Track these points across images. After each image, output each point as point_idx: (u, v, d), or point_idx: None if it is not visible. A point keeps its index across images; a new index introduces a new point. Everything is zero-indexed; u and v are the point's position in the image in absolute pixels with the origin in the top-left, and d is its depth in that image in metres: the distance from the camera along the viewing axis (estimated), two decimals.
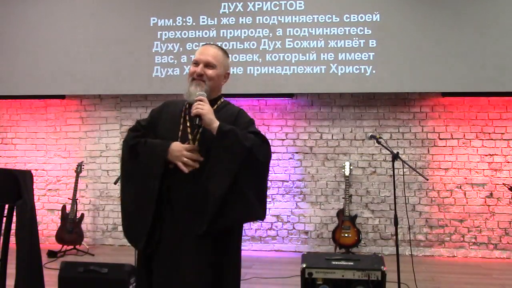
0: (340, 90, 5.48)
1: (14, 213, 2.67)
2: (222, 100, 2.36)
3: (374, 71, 5.32)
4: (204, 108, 2.13)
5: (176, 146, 2.14)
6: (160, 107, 2.37)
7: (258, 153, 2.13)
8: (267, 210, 6.03)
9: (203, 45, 2.38)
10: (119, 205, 2.68)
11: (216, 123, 2.11)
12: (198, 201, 2.11)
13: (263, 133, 2.27)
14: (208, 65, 2.26)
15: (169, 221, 2.17)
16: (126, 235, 2.28)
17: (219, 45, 2.52)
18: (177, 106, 2.33)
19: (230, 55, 5.51)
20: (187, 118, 2.24)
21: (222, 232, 2.16)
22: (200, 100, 2.16)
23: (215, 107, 2.28)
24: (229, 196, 2.07)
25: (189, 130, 2.23)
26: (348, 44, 5.37)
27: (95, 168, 5.97)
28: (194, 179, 2.13)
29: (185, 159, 2.12)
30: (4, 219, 2.69)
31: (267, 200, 5.92)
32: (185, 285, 2.12)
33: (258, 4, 5.52)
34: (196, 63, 2.29)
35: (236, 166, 2.07)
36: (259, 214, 2.21)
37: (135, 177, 2.21)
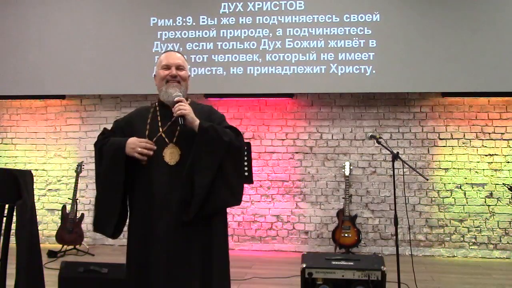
0: (340, 90, 5.48)
1: (14, 213, 2.67)
2: (189, 101, 2.52)
3: (374, 71, 5.32)
4: (186, 108, 2.32)
5: (131, 141, 2.34)
6: (127, 117, 2.56)
7: (236, 145, 2.37)
8: (267, 210, 6.05)
9: (165, 52, 2.57)
10: None
11: (197, 121, 2.32)
12: (181, 192, 2.28)
13: (242, 132, 2.47)
14: (178, 67, 2.47)
15: (155, 213, 2.31)
16: (94, 226, 2.44)
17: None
18: (144, 109, 2.53)
19: (230, 55, 5.59)
20: (158, 118, 2.43)
21: (209, 217, 2.33)
22: (180, 101, 2.34)
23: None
24: (213, 184, 2.28)
25: (160, 129, 2.39)
26: (348, 44, 5.37)
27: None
28: (176, 172, 2.31)
29: (139, 149, 2.30)
30: (4, 219, 2.69)
31: (267, 200, 5.93)
32: (175, 272, 2.28)
33: (258, 4, 5.52)
34: (168, 67, 2.46)
35: (218, 159, 2.29)
36: (239, 198, 2.41)
37: (103, 175, 2.39)
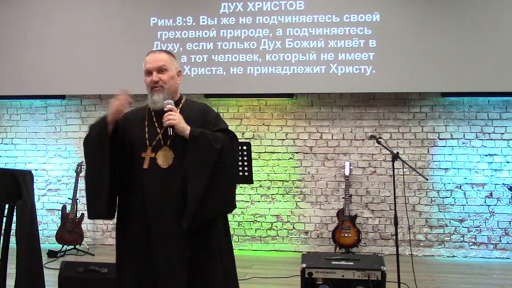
0: (340, 90, 5.48)
1: (14, 213, 2.67)
2: (184, 99, 2.46)
3: (374, 71, 5.32)
4: (175, 118, 2.26)
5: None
6: (125, 116, 2.45)
7: (229, 151, 2.31)
8: (267, 210, 6.04)
9: (148, 54, 2.51)
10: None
11: (187, 130, 2.26)
12: (174, 199, 2.25)
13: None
14: (160, 70, 2.39)
15: (149, 216, 2.27)
16: (88, 212, 2.37)
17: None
18: (139, 112, 2.47)
19: (230, 55, 5.58)
20: (155, 124, 2.37)
21: (201, 227, 2.27)
22: (170, 110, 2.28)
23: (180, 106, 2.42)
24: (207, 193, 2.23)
25: (158, 130, 2.34)
26: (348, 44, 5.37)
27: None
28: (168, 175, 2.27)
29: (112, 106, 2.28)
30: (4, 219, 2.69)
31: (267, 200, 5.92)
32: (162, 279, 2.25)
33: (258, 4, 5.52)
34: (149, 72, 2.42)
35: (210, 167, 2.25)
36: (233, 204, 2.38)
37: (90, 152, 2.33)
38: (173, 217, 2.25)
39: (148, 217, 2.28)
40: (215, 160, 2.25)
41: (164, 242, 2.25)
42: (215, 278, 2.30)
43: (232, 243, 2.54)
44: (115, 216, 2.42)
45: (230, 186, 2.36)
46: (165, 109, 2.29)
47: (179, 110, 2.37)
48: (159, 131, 2.33)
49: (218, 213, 2.33)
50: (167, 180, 2.26)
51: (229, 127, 2.48)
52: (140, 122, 2.40)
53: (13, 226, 2.68)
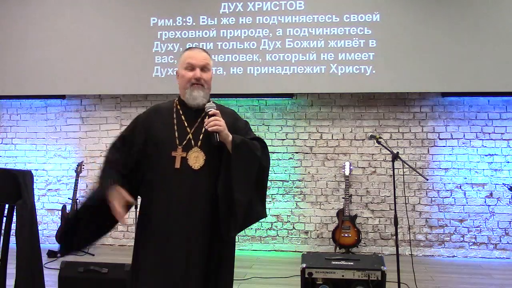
0: (340, 90, 5.48)
1: (14, 213, 2.67)
2: (211, 101, 2.37)
3: (374, 71, 5.32)
4: (222, 124, 2.20)
5: (114, 193, 2.18)
6: (146, 113, 2.40)
7: (264, 159, 2.34)
8: (268, 210, 6.04)
9: (189, 49, 2.39)
10: None
11: (230, 137, 2.22)
12: (201, 201, 2.22)
13: (263, 135, 2.47)
14: (203, 69, 2.30)
15: (169, 217, 2.22)
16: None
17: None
18: (164, 110, 2.37)
19: (230, 55, 5.58)
20: (184, 122, 2.29)
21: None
22: (214, 115, 2.21)
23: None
24: (250, 200, 2.25)
25: (188, 130, 2.27)
26: (348, 44, 5.37)
27: (95, 168, 5.96)
28: (199, 177, 2.22)
29: (114, 206, 2.15)
30: (4, 219, 2.69)
31: (268, 200, 5.93)
32: (178, 281, 2.19)
33: (258, 4, 5.52)
34: (192, 68, 2.29)
35: (254, 175, 2.27)
36: (265, 213, 2.40)
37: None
38: (197, 219, 2.21)
39: (173, 217, 2.21)
40: (257, 168, 2.29)
41: (185, 244, 2.20)
42: (225, 285, 2.31)
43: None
44: (136, 213, 2.39)
45: (265, 192, 2.42)
46: (209, 113, 2.22)
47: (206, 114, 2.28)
48: (189, 130, 2.27)
49: (257, 220, 2.35)
50: (197, 181, 2.22)
51: None
52: (167, 119, 2.31)
53: (13, 226, 2.68)
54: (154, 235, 2.23)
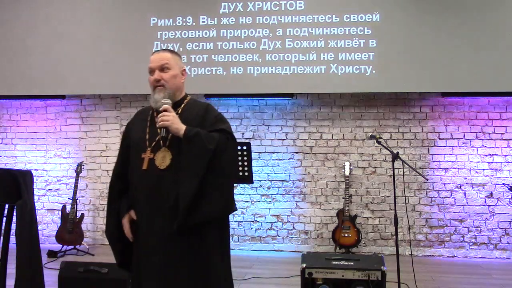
0: (340, 90, 5.48)
1: (14, 213, 2.67)
2: (188, 98, 2.46)
3: (374, 71, 5.32)
4: (169, 119, 2.26)
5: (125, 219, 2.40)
6: (133, 117, 2.56)
7: (223, 151, 2.29)
8: (267, 210, 6.03)
9: (152, 53, 2.46)
10: None
11: (182, 130, 2.25)
12: (168, 200, 2.26)
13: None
14: (162, 69, 2.36)
15: (147, 216, 2.32)
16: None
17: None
18: (145, 112, 2.49)
19: (230, 55, 5.58)
20: (156, 124, 2.34)
21: (195, 231, 2.27)
22: (165, 110, 2.28)
23: (182, 106, 2.42)
24: (200, 194, 2.23)
25: (158, 131, 2.33)
26: (348, 44, 5.37)
27: (95, 168, 5.97)
28: (165, 176, 2.27)
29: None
30: (4, 219, 2.69)
31: (267, 200, 5.91)
32: (152, 280, 2.28)
33: (258, 4, 5.52)
34: (152, 71, 2.38)
35: (202, 168, 2.23)
36: (229, 207, 2.35)
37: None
38: (166, 218, 2.25)
39: (143, 216, 2.31)
40: (207, 161, 2.23)
41: (157, 243, 2.27)
42: (204, 285, 2.29)
43: (231, 245, 2.52)
44: None
45: (225, 187, 2.31)
46: (160, 109, 2.28)
47: (180, 109, 2.38)
48: (159, 131, 2.32)
49: (212, 215, 2.29)
50: (164, 181, 2.26)
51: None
52: (143, 123, 2.42)
53: (13, 226, 2.68)
54: (135, 233, 2.36)
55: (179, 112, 2.36)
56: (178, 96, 2.42)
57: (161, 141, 2.32)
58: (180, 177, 2.23)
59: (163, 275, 2.25)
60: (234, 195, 2.46)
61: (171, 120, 2.25)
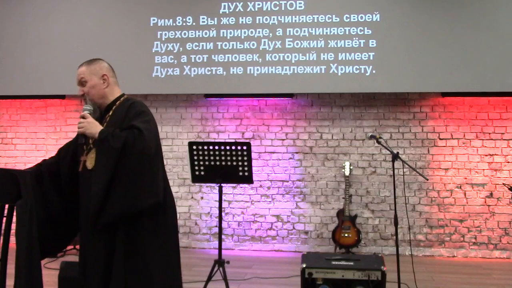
0: (340, 90, 5.48)
1: (14, 213, 2.67)
2: (122, 99, 2.61)
3: (374, 71, 5.32)
4: (83, 126, 2.44)
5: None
6: None
7: (132, 147, 2.36)
8: (267, 210, 6.02)
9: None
10: None
11: (96, 135, 2.42)
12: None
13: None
14: (81, 83, 2.56)
15: (81, 217, 2.54)
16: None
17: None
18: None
19: (230, 55, 5.57)
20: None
21: (113, 226, 2.40)
22: (83, 117, 2.47)
23: (114, 108, 2.58)
24: (109, 193, 2.35)
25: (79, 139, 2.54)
26: (348, 44, 5.37)
27: None
28: (92, 178, 2.43)
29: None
30: (4, 219, 2.69)
31: (267, 200, 5.90)
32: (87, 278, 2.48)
33: (258, 4, 5.52)
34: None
35: (109, 167, 2.35)
36: (137, 203, 2.38)
37: None
38: (89, 215, 2.43)
39: (82, 213, 2.51)
40: (114, 160, 2.34)
41: (87, 241, 2.48)
42: (128, 280, 2.39)
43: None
44: None
45: (139, 182, 2.37)
46: (79, 117, 2.49)
47: (112, 111, 2.55)
48: (79, 138, 2.54)
49: (127, 210, 2.37)
50: (90, 180, 2.42)
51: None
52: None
53: (13, 226, 2.68)
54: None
55: (110, 114, 2.55)
56: (106, 101, 2.59)
57: (91, 144, 2.49)
58: (93, 178, 2.39)
59: (90, 267, 2.44)
60: (158, 187, 2.45)
61: (85, 126, 2.43)
